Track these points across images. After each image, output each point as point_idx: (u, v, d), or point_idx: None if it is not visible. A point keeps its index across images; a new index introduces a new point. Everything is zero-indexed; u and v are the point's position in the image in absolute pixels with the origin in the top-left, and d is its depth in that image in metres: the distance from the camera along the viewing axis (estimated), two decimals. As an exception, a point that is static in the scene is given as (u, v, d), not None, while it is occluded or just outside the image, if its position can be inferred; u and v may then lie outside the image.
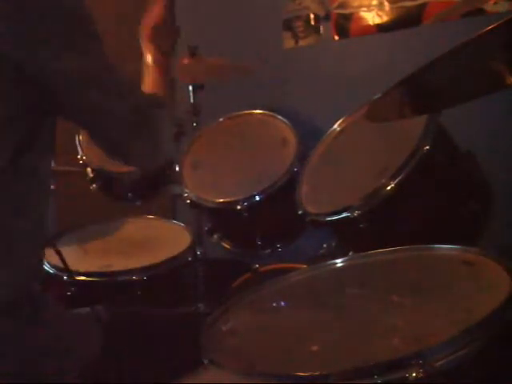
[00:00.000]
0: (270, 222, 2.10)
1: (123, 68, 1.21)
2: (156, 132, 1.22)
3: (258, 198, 2.00)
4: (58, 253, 1.69)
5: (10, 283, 1.09)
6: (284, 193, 1.97)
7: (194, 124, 2.42)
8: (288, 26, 2.74)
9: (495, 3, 2.14)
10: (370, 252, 1.37)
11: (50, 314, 1.20)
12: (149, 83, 1.38)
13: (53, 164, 1.24)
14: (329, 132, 1.96)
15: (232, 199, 2.03)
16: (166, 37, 1.44)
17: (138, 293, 1.83)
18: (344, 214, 1.61)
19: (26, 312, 1.12)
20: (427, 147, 1.55)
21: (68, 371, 1.15)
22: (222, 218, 2.17)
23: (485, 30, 0.86)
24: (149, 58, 1.41)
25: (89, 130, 1.22)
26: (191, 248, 2.02)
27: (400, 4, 2.41)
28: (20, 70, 1.03)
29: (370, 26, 2.50)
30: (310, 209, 1.75)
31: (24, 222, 1.10)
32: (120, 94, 1.15)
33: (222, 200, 2.06)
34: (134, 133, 1.18)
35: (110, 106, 1.13)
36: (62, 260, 1.70)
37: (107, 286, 1.85)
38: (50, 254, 1.96)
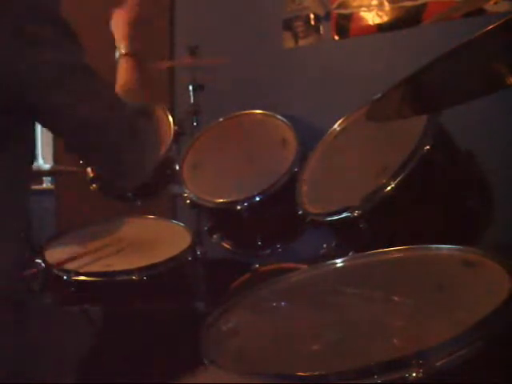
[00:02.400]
0: (270, 222, 2.10)
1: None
2: (143, 143, 1.20)
3: (258, 198, 2.00)
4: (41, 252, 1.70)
5: None
6: (284, 193, 1.97)
7: (194, 124, 2.42)
8: (288, 26, 2.74)
9: (495, 3, 2.14)
10: (369, 252, 1.37)
11: (43, 313, 1.19)
12: (121, 77, 1.35)
13: (52, 164, 1.24)
14: (329, 132, 1.96)
15: (232, 199, 2.03)
16: (139, 32, 1.42)
17: (138, 293, 1.83)
18: (344, 214, 1.61)
19: (18, 310, 1.11)
20: (427, 147, 1.55)
21: (63, 371, 1.15)
22: (221, 218, 2.17)
23: (485, 30, 0.86)
24: (121, 50, 1.39)
25: (65, 136, 1.17)
26: (191, 248, 2.02)
27: (400, 4, 2.41)
28: None
29: (370, 25, 2.50)
30: (310, 209, 1.75)
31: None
32: (102, 102, 1.13)
33: (221, 200, 2.06)
34: (121, 145, 1.16)
35: (84, 112, 1.10)
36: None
37: (107, 286, 1.85)
38: (50, 254, 1.97)
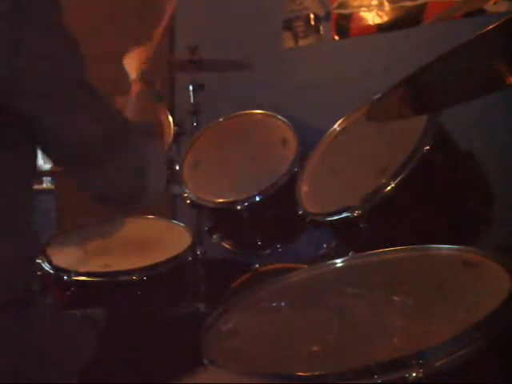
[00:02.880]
0: (270, 222, 2.10)
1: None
2: (141, 162, 1.18)
3: (257, 198, 2.00)
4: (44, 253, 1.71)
5: None
6: (284, 193, 1.97)
7: (194, 124, 2.42)
8: (288, 26, 2.74)
9: (495, 3, 2.14)
10: (369, 252, 1.37)
11: (46, 314, 1.19)
12: (135, 110, 1.37)
13: (53, 164, 1.23)
14: (329, 132, 1.96)
15: (232, 199, 2.03)
16: (154, 69, 1.46)
17: (138, 293, 1.83)
18: (344, 214, 1.61)
19: (19, 312, 1.11)
20: (427, 147, 1.55)
21: (63, 371, 1.15)
22: (221, 218, 2.17)
23: (485, 30, 0.86)
24: (135, 88, 1.42)
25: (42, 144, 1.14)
26: (191, 248, 2.02)
27: (400, 4, 2.40)
28: None
29: (370, 25, 2.50)
30: (310, 209, 1.75)
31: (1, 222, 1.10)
32: (90, 115, 1.10)
33: (221, 200, 2.06)
34: (108, 161, 1.13)
35: (67, 125, 1.08)
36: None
37: (107, 286, 1.85)
38: (50, 254, 1.97)
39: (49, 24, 1.05)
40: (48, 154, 1.16)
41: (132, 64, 1.46)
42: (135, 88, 1.42)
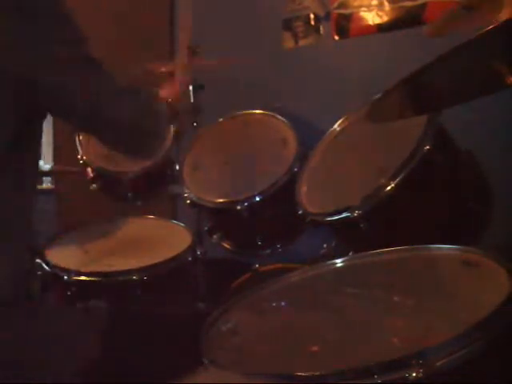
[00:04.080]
0: (270, 222, 2.10)
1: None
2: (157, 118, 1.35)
3: (257, 198, 2.00)
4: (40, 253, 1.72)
5: None
6: (284, 193, 1.97)
7: (194, 124, 2.42)
8: (288, 26, 2.74)
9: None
10: (369, 252, 1.37)
11: (44, 313, 1.19)
12: None
13: (52, 164, 1.26)
14: (329, 132, 1.96)
15: (232, 199, 2.03)
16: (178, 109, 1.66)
17: (138, 293, 1.83)
18: (344, 214, 1.61)
19: (19, 312, 1.11)
20: (427, 147, 1.55)
21: (63, 371, 1.15)
22: (221, 218, 2.17)
23: (485, 30, 0.86)
24: None
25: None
26: (191, 248, 2.02)
27: (400, 4, 2.40)
28: (9, 70, 1.05)
29: (369, 25, 2.50)
30: (310, 209, 1.75)
31: (5, 220, 1.10)
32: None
33: (221, 200, 2.06)
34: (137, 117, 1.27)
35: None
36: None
37: (107, 286, 1.85)
38: (50, 254, 1.97)
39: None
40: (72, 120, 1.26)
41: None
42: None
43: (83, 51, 1.18)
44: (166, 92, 1.61)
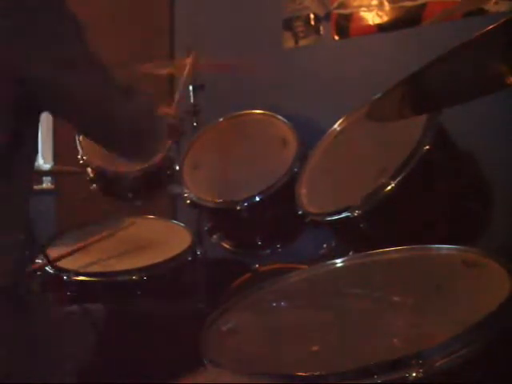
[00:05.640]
0: (270, 222, 2.10)
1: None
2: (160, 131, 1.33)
3: (257, 198, 2.00)
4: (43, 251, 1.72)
5: None
6: (284, 193, 1.97)
7: (194, 124, 2.42)
8: (288, 25, 2.74)
9: (495, 3, 2.14)
10: (369, 252, 1.37)
11: (43, 313, 1.19)
12: None
13: (52, 164, 1.26)
14: (329, 132, 1.96)
15: (232, 199, 2.03)
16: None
17: (138, 293, 1.83)
18: (344, 214, 1.61)
19: (19, 312, 1.11)
20: (427, 147, 1.55)
21: (63, 371, 1.15)
22: (221, 218, 2.17)
23: (485, 30, 0.86)
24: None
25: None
26: (191, 248, 2.02)
27: (400, 4, 2.40)
28: (10, 69, 1.05)
29: (370, 25, 2.50)
30: (310, 209, 1.75)
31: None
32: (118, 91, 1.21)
33: (221, 200, 2.06)
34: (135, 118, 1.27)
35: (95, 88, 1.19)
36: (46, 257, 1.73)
37: (107, 286, 1.85)
38: (50, 254, 1.96)
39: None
40: (70, 120, 1.25)
41: None
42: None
43: (84, 51, 1.17)
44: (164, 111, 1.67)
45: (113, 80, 1.22)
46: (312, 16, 2.67)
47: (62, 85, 1.13)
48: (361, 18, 2.52)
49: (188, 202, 2.12)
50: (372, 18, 2.49)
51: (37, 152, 1.21)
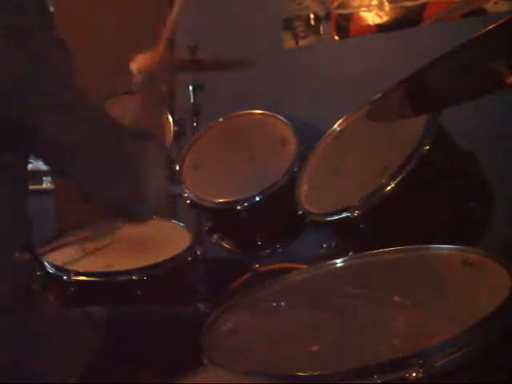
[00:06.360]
0: (270, 222, 2.10)
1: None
2: (138, 167, 1.18)
3: (257, 198, 2.00)
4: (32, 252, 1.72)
5: None
6: (284, 193, 1.97)
7: (194, 124, 2.42)
8: (288, 25, 2.74)
9: (495, 3, 2.14)
10: (369, 252, 1.37)
11: (46, 314, 1.19)
12: (139, 112, 1.36)
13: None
14: (329, 132, 1.96)
15: (232, 199, 2.03)
16: (161, 72, 1.46)
17: (138, 293, 1.83)
18: (344, 214, 1.61)
19: (19, 311, 1.11)
20: (427, 147, 1.55)
21: (63, 371, 1.15)
22: (222, 218, 2.17)
23: (485, 30, 0.86)
24: (142, 90, 1.41)
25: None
26: (191, 248, 2.02)
27: (400, 4, 2.40)
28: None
29: (370, 25, 2.50)
30: (310, 209, 1.75)
31: None
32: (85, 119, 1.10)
33: (221, 200, 2.06)
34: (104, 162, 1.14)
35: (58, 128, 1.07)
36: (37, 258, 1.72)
37: (107, 286, 1.85)
38: (50, 254, 1.97)
39: (36, 25, 1.04)
40: (39, 157, 1.17)
41: (139, 67, 1.46)
42: (142, 90, 1.41)
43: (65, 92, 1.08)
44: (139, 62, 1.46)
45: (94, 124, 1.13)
46: (312, 16, 2.67)
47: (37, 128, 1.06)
48: (361, 18, 2.52)
49: (188, 201, 2.12)
50: (372, 17, 2.49)
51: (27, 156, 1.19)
